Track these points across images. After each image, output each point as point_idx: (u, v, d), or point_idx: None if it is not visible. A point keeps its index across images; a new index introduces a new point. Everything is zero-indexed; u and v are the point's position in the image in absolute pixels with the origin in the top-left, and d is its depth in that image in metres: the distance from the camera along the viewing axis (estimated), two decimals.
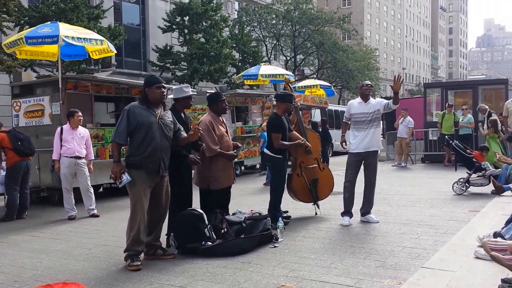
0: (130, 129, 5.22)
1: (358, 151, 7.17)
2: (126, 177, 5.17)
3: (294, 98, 8.10)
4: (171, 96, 6.43)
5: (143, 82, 5.66)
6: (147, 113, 5.30)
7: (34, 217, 8.86)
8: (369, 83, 7.45)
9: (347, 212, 7.27)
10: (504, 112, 11.81)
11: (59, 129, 8.67)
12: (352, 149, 7.24)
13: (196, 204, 6.43)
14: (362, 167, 7.32)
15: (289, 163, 7.68)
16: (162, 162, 5.37)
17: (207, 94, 7.14)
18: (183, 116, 6.19)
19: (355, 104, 7.29)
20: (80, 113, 8.65)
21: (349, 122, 7.44)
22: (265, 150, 7.42)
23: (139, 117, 5.23)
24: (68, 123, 8.63)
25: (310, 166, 7.76)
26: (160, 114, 5.38)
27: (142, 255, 5.49)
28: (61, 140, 8.49)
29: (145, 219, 5.33)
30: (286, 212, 7.61)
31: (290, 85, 8.50)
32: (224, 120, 6.76)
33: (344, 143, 7.47)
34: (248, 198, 7.62)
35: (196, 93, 13.94)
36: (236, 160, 7.54)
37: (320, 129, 15.23)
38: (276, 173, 7.36)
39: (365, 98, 7.24)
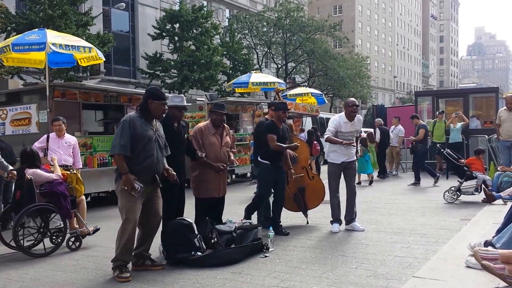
0: (131, 141, 5.15)
1: (343, 160, 7.29)
2: (139, 185, 5.11)
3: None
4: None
5: (145, 91, 5.64)
6: (146, 126, 5.26)
7: None
8: (356, 102, 7.39)
9: (337, 219, 7.34)
10: (497, 120, 11.86)
11: (45, 136, 8.55)
12: (334, 159, 7.33)
13: (190, 214, 6.37)
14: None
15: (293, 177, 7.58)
16: (157, 174, 5.36)
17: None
18: (176, 125, 6.17)
19: (342, 124, 7.27)
20: (59, 122, 8.44)
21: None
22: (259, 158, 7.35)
23: (139, 129, 5.18)
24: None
25: (296, 176, 7.70)
26: (155, 126, 5.39)
27: (130, 265, 5.41)
28: (47, 148, 8.38)
29: (135, 229, 5.26)
30: (281, 226, 7.51)
31: (280, 94, 8.48)
32: (225, 133, 6.69)
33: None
34: (238, 207, 7.58)
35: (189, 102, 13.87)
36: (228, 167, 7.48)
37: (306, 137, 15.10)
38: (260, 178, 7.32)
39: (351, 118, 7.30)
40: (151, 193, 5.41)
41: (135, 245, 5.45)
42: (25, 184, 6.50)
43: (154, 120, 5.42)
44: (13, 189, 8.77)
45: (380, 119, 16.60)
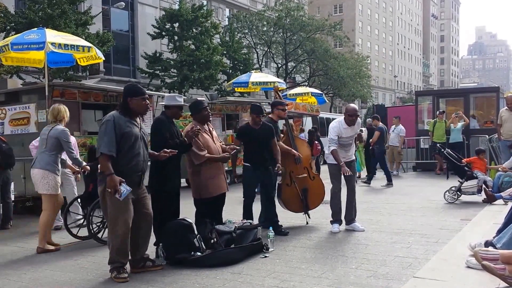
0: (117, 141, 5.04)
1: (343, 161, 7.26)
2: (125, 188, 4.96)
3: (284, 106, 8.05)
4: (163, 103, 6.38)
5: (123, 89, 5.49)
6: (131, 124, 5.15)
7: (19, 227, 8.71)
8: (357, 112, 7.36)
9: (337, 220, 7.34)
10: (498, 120, 11.86)
11: None
12: (333, 160, 7.27)
13: (189, 214, 6.36)
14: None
15: (279, 171, 7.60)
16: (143, 174, 5.31)
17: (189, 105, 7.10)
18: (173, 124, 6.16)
19: (342, 130, 7.25)
20: None
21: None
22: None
23: (124, 128, 5.06)
24: None
25: (300, 176, 7.68)
26: (140, 124, 5.31)
27: (129, 267, 5.37)
28: None
29: (128, 231, 5.16)
30: (281, 226, 7.49)
31: (279, 93, 8.46)
32: (211, 129, 6.68)
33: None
34: (238, 208, 7.54)
35: (186, 103, 13.79)
36: (226, 168, 7.47)
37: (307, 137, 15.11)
38: (243, 180, 7.31)
39: (351, 124, 7.30)
40: (140, 193, 5.33)
41: (131, 251, 5.35)
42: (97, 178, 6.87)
43: (139, 117, 5.33)
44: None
45: (371, 120, 16.76)
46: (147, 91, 5.76)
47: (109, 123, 5.05)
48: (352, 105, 7.62)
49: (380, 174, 15.69)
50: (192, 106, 6.67)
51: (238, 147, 6.86)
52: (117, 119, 5.08)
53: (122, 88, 5.64)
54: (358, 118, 7.47)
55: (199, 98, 15.85)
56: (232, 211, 7.46)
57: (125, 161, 5.08)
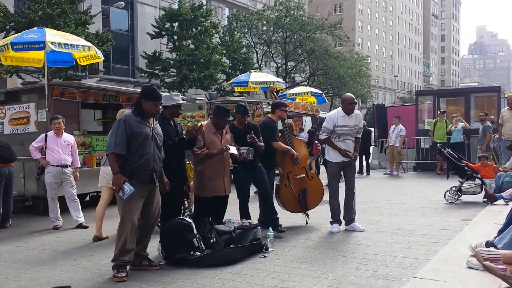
0: (127, 140, 5.16)
1: (342, 160, 7.18)
2: (129, 187, 5.07)
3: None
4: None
5: (140, 90, 5.65)
6: (142, 124, 5.26)
7: (18, 226, 8.71)
8: (354, 98, 7.28)
9: (337, 220, 7.29)
10: (500, 120, 11.85)
11: (43, 135, 8.51)
12: (333, 158, 7.23)
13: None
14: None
15: (277, 171, 7.56)
16: (154, 173, 5.34)
17: (217, 104, 6.99)
18: (172, 124, 6.12)
19: (340, 117, 7.13)
20: (58, 120, 8.40)
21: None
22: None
23: (135, 128, 5.18)
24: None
25: (298, 176, 7.66)
26: (153, 125, 5.39)
27: (128, 265, 5.38)
28: (45, 147, 8.35)
29: (135, 230, 5.23)
30: (281, 226, 7.47)
31: (275, 94, 8.44)
32: (224, 132, 6.63)
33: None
34: (236, 207, 7.54)
35: (186, 101, 13.76)
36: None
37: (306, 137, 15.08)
38: (234, 182, 7.26)
39: (349, 113, 7.17)
40: (149, 193, 5.38)
41: None
42: None
43: (153, 118, 5.42)
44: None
45: (364, 121, 16.80)
46: None
47: (121, 122, 5.21)
48: (348, 93, 7.58)
49: (374, 173, 15.71)
50: (218, 108, 6.63)
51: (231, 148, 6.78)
52: (128, 119, 5.22)
53: (122, 87, 5.68)
54: (358, 111, 7.41)
55: (198, 98, 15.87)
56: (233, 211, 7.44)
57: (134, 160, 5.18)
